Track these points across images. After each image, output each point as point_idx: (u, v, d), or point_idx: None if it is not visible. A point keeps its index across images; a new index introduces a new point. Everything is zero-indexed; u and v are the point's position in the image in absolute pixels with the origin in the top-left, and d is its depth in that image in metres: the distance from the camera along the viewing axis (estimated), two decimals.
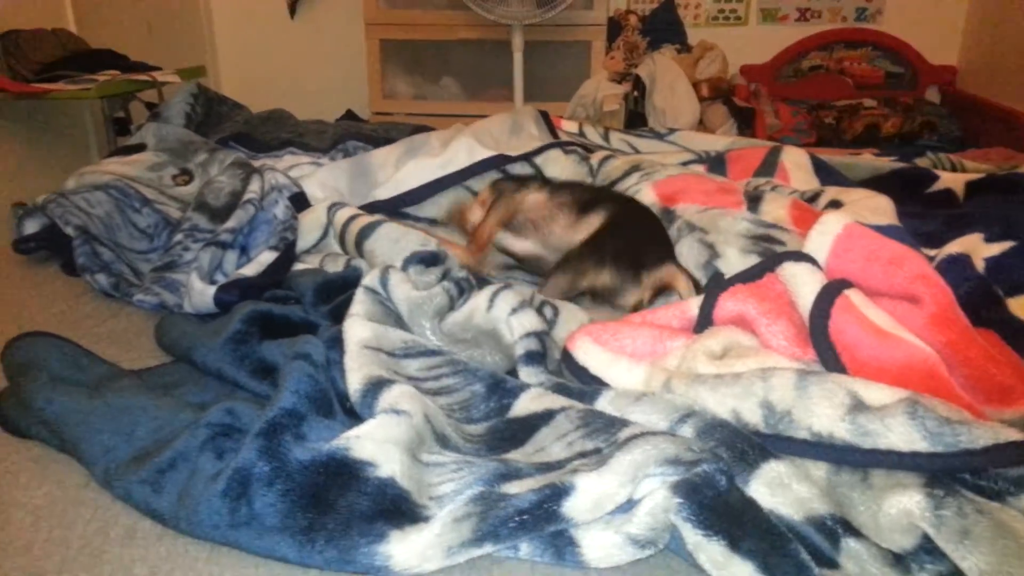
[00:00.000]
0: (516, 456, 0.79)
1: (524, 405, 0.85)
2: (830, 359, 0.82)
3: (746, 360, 0.85)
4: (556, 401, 0.83)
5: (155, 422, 0.82)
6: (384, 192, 1.45)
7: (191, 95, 1.81)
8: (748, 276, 0.95)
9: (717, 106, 3.06)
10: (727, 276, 1.00)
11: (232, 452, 0.73)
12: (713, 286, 0.96)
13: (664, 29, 3.48)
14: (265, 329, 0.99)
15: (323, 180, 1.41)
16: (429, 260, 1.12)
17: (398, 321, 1.02)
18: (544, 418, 0.82)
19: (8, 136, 2.50)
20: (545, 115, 1.85)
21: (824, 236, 0.96)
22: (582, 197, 1.27)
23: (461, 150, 1.48)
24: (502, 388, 0.88)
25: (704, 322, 0.94)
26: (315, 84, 3.83)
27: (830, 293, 0.86)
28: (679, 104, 3.01)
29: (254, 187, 1.29)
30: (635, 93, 3.12)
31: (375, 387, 0.81)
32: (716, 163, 1.67)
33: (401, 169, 1.48)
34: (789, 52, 3.56)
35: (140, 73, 2.59)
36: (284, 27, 3.88)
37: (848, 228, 0.96)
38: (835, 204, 1.27)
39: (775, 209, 1.25)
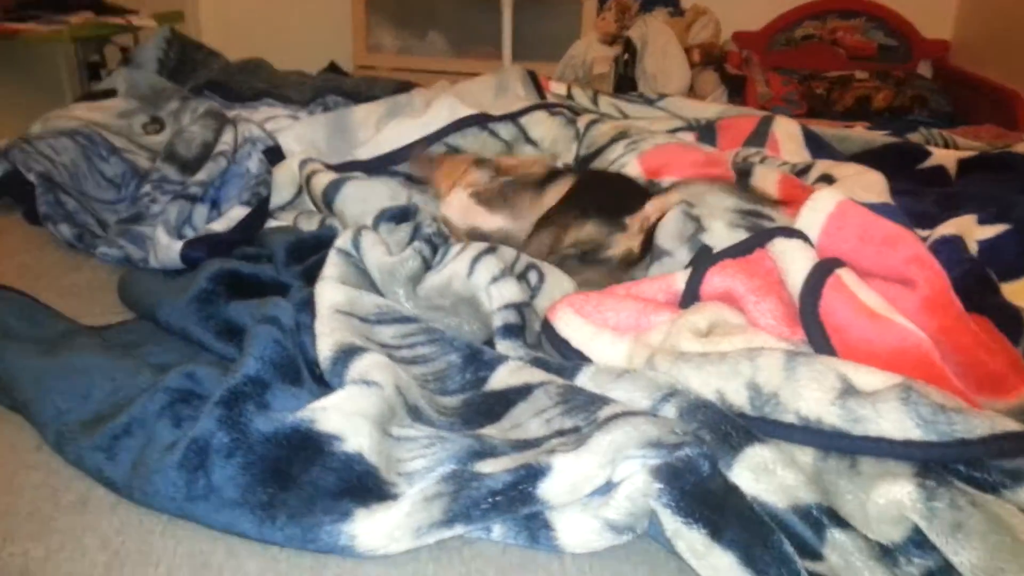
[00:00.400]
0: (491, 432, 0.76)
1: (502, 378, 0.82)
2: (819, 340, 0.80)
3: (732, 338, 0.82)
4: (535, 375, 0.80)
5: (112, 384, 0.78)
6: (365, 152, 1.39)
7: (164, 40, 1.73)
8: (737, 251, 0.92)
9: (708, 73, 3.01)
10: (715, 250, 0.96)
11: (191, 420, 0.69)
12: (700, 260, 0.93)
13: None
14: (233, 288, 0.95)
15: (300, 134, 1.36)
16: (399, 216, 1.08)
17: (372, 285, 0.98)
18: (522, 392, 0.79)
19: None
20: (533, 75, 1.80)
21: (816, 213, 0.93)
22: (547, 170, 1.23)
23: (443, 109, 1.42)
24: (479, 360, 0.85)
25: (690, 297, 0.91)
26: (298, 34, 3.71)
27: (821, 271, 0.83)
28: (670, 69, 2.95)
29: (227, 138, 1.24)
30: (626, 56, 3.06)
31: (346, 355, 0.78)
32: (706, 131, 1.63)
33: (383, 130, 1.43)
34: (783, 20, 3.50)
35: (115, 17, 2.49)
36: None
37: (841, 206, 0.93)
38: (826, 179, 1.24)
39: (764, 183, 1.21)
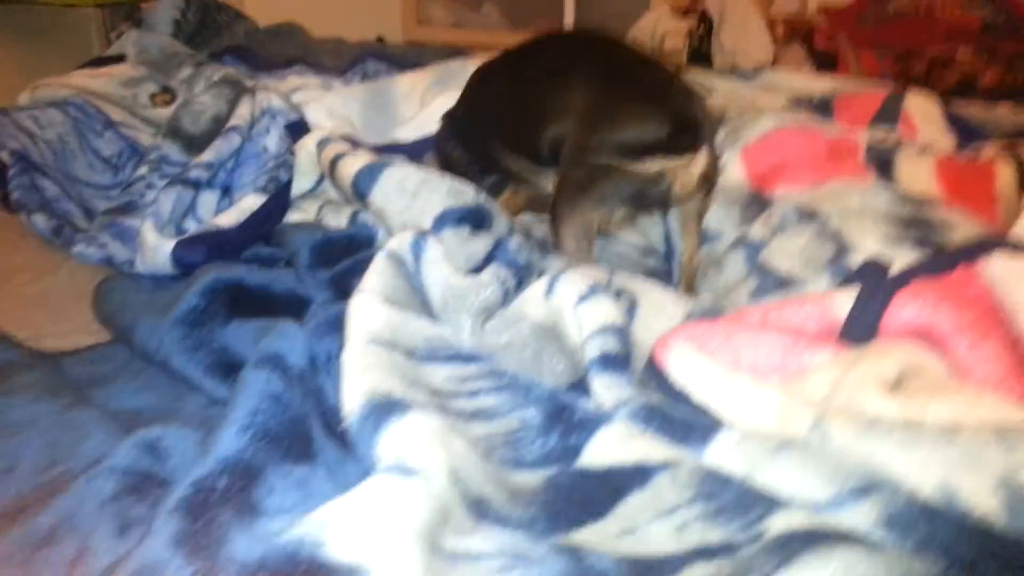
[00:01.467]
0: (592, 537, 0.51)
1: (603, 449, 0.57)
2: None
3: (946, 399, 0.55)
4: (653, 449, 0.55)
5: (49, 451, 0.55)
6: (407, 132, 1.15)
7: None
8: (931, 268, 0.65)
9: (794, 48, 2.70)
10: (895, 266, 0.69)
11: (142, 525, 0.45)
12: (880, 280, 0.66)
13: None
14: (235, 304, 0.72)
15: (332, 107, 1.11)
16: (472, 221, 0.83)
17: (423, 307, 0.73)
18: (636, 477, 0.53)
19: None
20: None
21: None
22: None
23: None
24: (568, 418, 0.60)
25: (864, 330, 0.64)
26: (343, 6, 3.48)
27: None
28: (750, 43, 2.65)
29: (242, 111, 1.00)
30: (700, 30, 2.76)
31: (380, 410, 0.54)
32: (820, 110, 1.34)
33: (430, 104, 1.17)
34: None
35: None
36: None
37: None
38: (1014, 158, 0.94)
39: (918, 175, 0.93)
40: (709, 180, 0.91)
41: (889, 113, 1.29)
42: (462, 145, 1.05)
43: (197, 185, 0.91)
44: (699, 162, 0.87)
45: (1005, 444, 0.47)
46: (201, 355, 0.66)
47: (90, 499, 0.47)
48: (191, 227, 0.90)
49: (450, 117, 1.07)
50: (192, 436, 0.52)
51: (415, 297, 0.73)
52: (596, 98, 0.87)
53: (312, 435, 0.54)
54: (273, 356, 0.56)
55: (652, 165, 0.84)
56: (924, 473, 0.50)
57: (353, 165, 0.87)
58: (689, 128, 0.85)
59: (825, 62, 2.67)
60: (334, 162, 0.90)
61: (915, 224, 0.82)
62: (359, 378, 0.57)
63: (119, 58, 1.36)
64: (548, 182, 0.97)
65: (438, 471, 0.47)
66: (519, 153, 0.98)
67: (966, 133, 1.25)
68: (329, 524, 0.42)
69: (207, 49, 1.42)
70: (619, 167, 0.84)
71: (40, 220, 0.93)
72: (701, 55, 2.75)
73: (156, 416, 0.62)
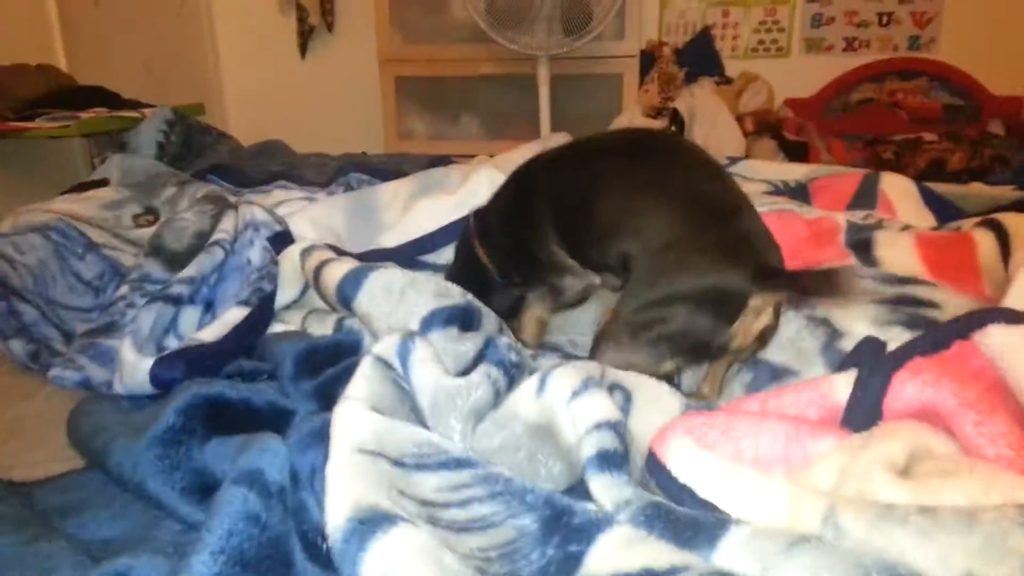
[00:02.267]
0: None
1: (606, 557, 0.53)
2: None
3: (959, 481, 0.53)
4: (659, 554, 0.52)
5: None
6: (391, 238, 1.15)
7: (165, 122, 1.53)
8: (928, 345, 0.64)
9: (765, 140, 2.76)
10: (891, 344, 0.67)
11: None
12: (877, 359, 0.64)
13: (700, 61, 3.21)
14: (215, 421, 0.69)
15: (316, 218, 1.12)
16: (460, 321, 0.81)
17: (412, 413, 0.70)
18: None
19: None
20: None
21: None
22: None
23: (482, 184, 1.18)
24: (567, 524, 0.56)
25: (866, 414, 0.62)
26: (327, 125, 3.58)
27: None
28: (722, 138, 2.72)
29: (226, 225, 1.00)
30: (673, 128, 2.84)
31: (367, 525, 0.50)
32: (797, 195, 1.36)
33: (411, 209, 1.18)
34: (837, 84, 3.28)
35: (130, 111, 2.34)
36: (294, 66, 3.65)
37: None
38: (993, 229, 0.94)
39: (898, 254, 0.93)
40: (766, 338, 0.82)
41: (866, 194, 1.31)
42: (494, 245, 1.00)
43: (178, 301, 0.90)
44: (765, 315, 0.79)
45: None
46: (178, 476, 0.63)
47: None
48: (172, 345, 0.88)
49: (483, 216, 1.04)
50: (163, 566, 0.49)
51: (404, 402, 0.70)
52: (674, 234, 0.80)
53: (293, 558, 0.51)
54: (251, 472, 0.53)
55: (720, 325, 0.78)
56: (947, 564, 0.47)
57: (338, 271, 0.86)
58: (768, 283, 0.76)
59: (796, 153, 2.74)
60: (318, 270, 0.89)
61: (903, 303, 0.81)
62: (343, 491, 0.54)
63: (103, 182, 1.37)
64: (601, 289, 0.96)
65: None
66: (579, 258, 0.92)
67: (943, 210, 1.26)
68: None
69: (191, 169, 1.43)
70: (680, 319, 0.78)
71: (17, 346, 0.91)
72: None
73: (128, 545, 0.58)
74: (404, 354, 0.71)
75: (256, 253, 0.96)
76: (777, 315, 0.82)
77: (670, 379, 0.81)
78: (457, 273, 1.05)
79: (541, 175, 0.98)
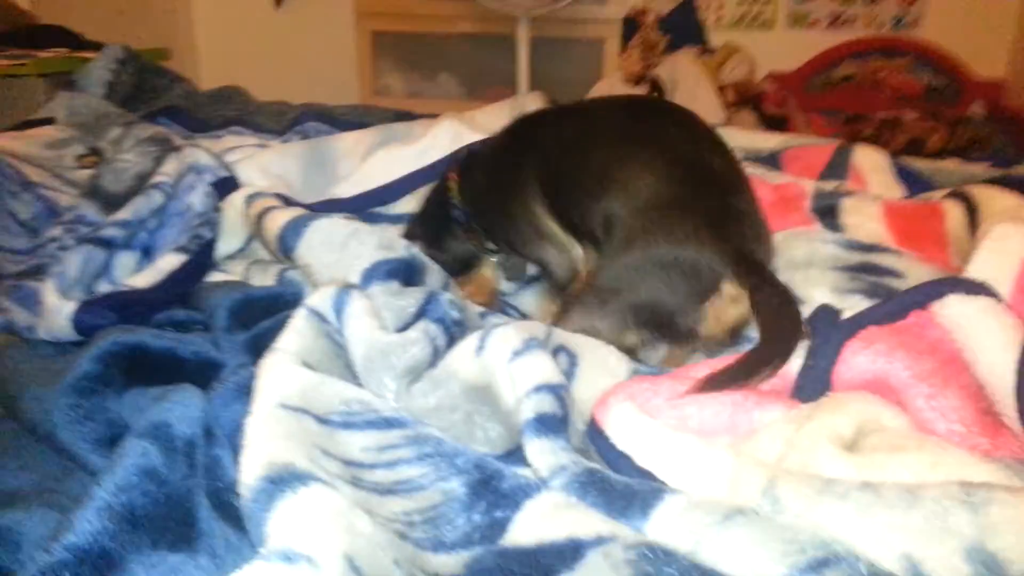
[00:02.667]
0: None
1: (531, 524, 0.50)
2: None
3: (906, 456, 0.50)
4: (586, 521, 0.49)
5: None
6: (346, 188, 1.10)
7: (116, 60, 1.45)
8: (884, 315, 0.61)
9: (745, 113, 2.74)
10: (847, 308, 0.65)
11: None
12: (829, 328, 0.62)
13: (683, 30, 3.15)
14: (137, 371, 0.65)
15: (266, 165, 1.07)
16: (403, 274, 0.78)
17: (348, 369, 0.67)
18: (566, 555, 0.47)
19: None
20: (556, 101, 1.52)
21: (1004, 256, 0.62)
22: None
23: (444, 136, 1.14)
24: (495, 489, 0.53)
25: (816, 384, 0.60)
26: (301, 79, 3.49)
27: None
28: (702, 108, 2.67)
29: (168, 168, 0.95)
30: (653, 96, 2.80)
31: (277, 484, 0.47)
32: (769, 164, 1.33)
33: (369, 159, 1.14)
34: (820, 60, 3.25)
35: (90, 51, 2.25)
36: (269, 17, 3.55)
37: None
38: (962, 201, 0.92)
39: (865, 221, 0.90)
40: (736, 334, 0.76)
41: (838, 166, 1.28)
42: (472, 186, 0.96)
43: (111, 245, 0.85)
44: (741, 305, 0.72)
45: (971, 505, 0.42)
46: (90, 427, 0.59)
47: None
48: (104, 291, 0.83)
49: (471, 155, 0.99)
50: (56, 521, 0.45)
51: (338, 357, 0.67)
52: (660, 194, 0.75)
53: (197, 515, 0.47)
54: (156, 426, 0.49)
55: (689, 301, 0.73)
56: (885, 543, 0.44)
57: (280, 219, 0.82)
58: (747, 271, 0.70)
59: (776, 126, 2.71)
60: (261, 217, 0.85)
61: (864, 271, 0.79)
62: (259, 448, 0.51)
63: (49, 121, 1.31)
64: (574, 259, 0.88)
65: (330, 558, 0.41)
66: (559, 217, 0.87)
67: (916, 185, 1.24)
68: None
69: (142, 111, 1.37)
70: (650, 288, 0.73)
71: None
72: None
73: (34, 497, 0.54)
74: (340, 307, 0.68)
75: (198, 198, 0.91)
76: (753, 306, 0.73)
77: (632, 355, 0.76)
78: (420, 212, 1.01)
79: (537, 127, 0.93)
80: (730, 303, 0.72)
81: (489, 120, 1.36)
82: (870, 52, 3.25)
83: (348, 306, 0.68)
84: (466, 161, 1.00)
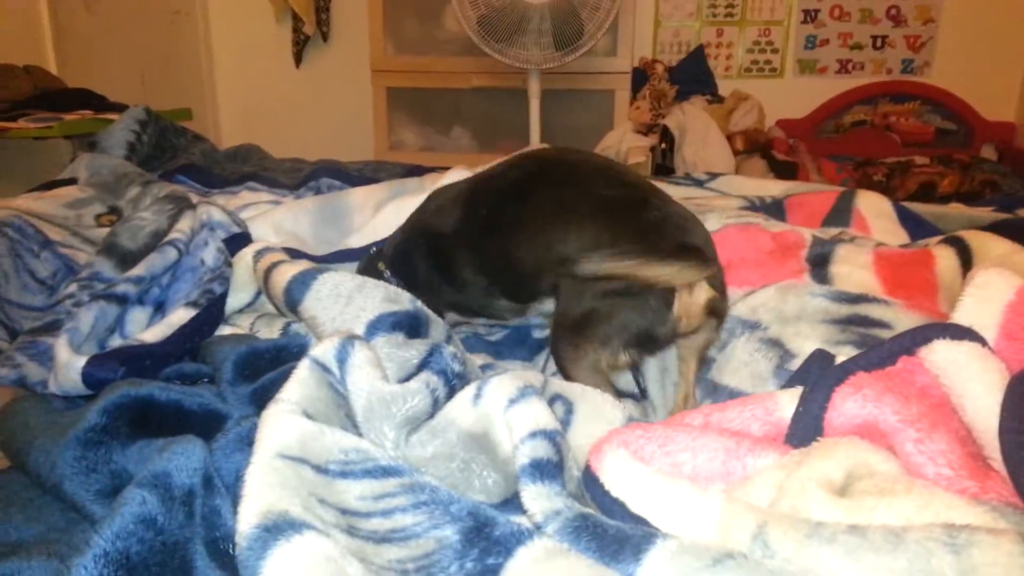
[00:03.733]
0: None
1: (522, 572, 0.51)
2: None
3: (894, 500, 0.51)
4: (576, 570, 0.49)
5: None
6: (358, 239, 1.13)
7: (137, 121, 1.51)
8: (873, 361, 0.62)
9: (755, 160, 2.76)
10: (839, 359, 0.65)
11: None
12: (821, 375, 0.62)
13: (693, 81, 3.21)
14: (142, 423, 0.67)
15: (279, 221, 1.10)
16: (407, 327, 0.79)
17: (348, 417, 0.68)
18: None
19: None
20: None
21: (988, 303, 0.63)
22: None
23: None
24: (487, 536, 0.54)
25: (808, 430, 0.60)
26: (319, 135, 3.59)
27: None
28: (711, 157, 2.71)
29: (183, 225, 0.98)
30: (663, 145, 2.84)
31: (271, 533, 0.48)
32: (773, 211, 1.35)
33: (383, 209, 1.17)
34: (829, 106, 3.28)
35: (113, 113, 2.33)
36: (288, 75, 3.66)
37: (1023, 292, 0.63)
38: (956, 247, 0.92)
39: (854, 270, 0.90)
40: (716, 311, 0.83)
41: (841, 211, 1.30)
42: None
43: (124, 300, 0.88)
44: (703, 289, 0.80)
45: (954, 547, 0.43)
46: (95, 478, 0.60)
47: None
48: (116, 345, 0.86)
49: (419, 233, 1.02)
50: (56, 570, 0.47)
51: (339, 408, 0.68)
52: (598, 240, 0.82)
53: (194, 564, 0.48)
54: (156, 476, 0.51)
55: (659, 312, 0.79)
56: None
57: (287, 273, 0.84)
58: (691, 255, 0.79)
59: (786, 173, 2.73)
60: (269, 271, 0.88)
61: (853, 323, 0.80)
62: (257, 497, 0.52)
63: (71, 181, 1.35)
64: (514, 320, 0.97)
65: None
66: (497, 288, 0.94)
67: (919, 230, 1.25)
68: None
69: (160, 170, 1.42)
70: (621, 313, 0.80)
71: None
72: (665, 169, 2.81)
73: (38, 548, 0.56)
74: (343, 357, 0.69)
75: (210, 254, 0.94)
76: (718, 288, 0.83)
77: (635, 370, 0.88)
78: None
79: (456, 245, 0.97)
80: (691, 293, 0.80)
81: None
82: (879, 97, 3.29)
83: (351, 357, 0.69)
84: (398, 248, 1.03)
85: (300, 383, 0.66)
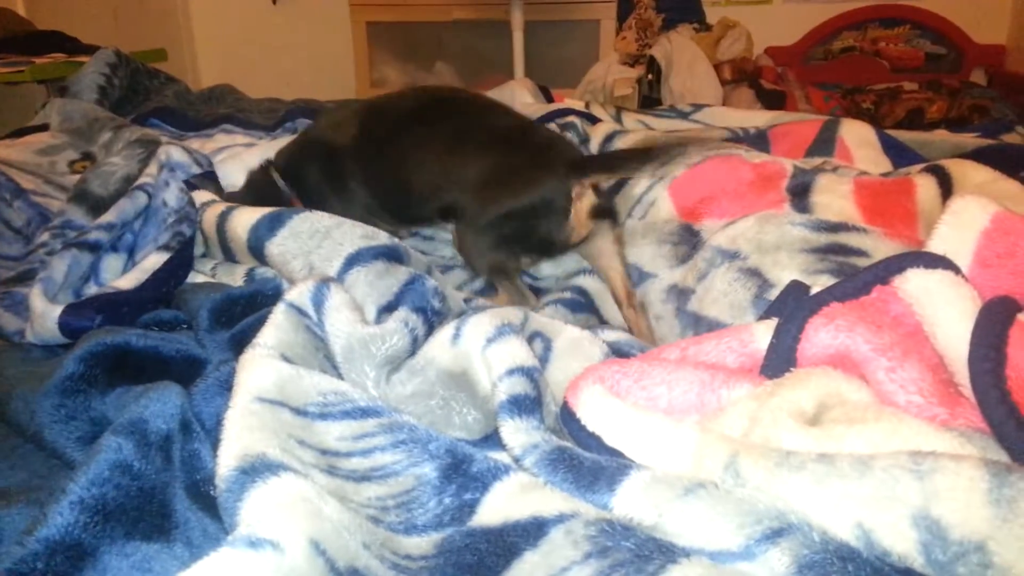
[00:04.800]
0: None
1: (498, 505, 0.52)
2: (1012, 429, 0.49)
3: (864, 428, 0.51)
4: (549, 500, 0.50)
5: None
6: None
7: (107, 64, 1.47)
8: (847, 291, 0.62)
9: (743, 89, 2.72)
10: (815, 289, 0.66)
11: None
12: (793, 304, 0.63)
13: (680, 8, 3.13)
14: (120, 371, 0.67)
15: (250, 164, 1.08)
16: (385, 260, 0.79)
17: (326, 359, 0.69)
18: (531, 533, 0.49)
19: None
20: (544, 89, 1.52)
21: (963, 230, 0.62)
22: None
23: None
24: (464, 472, 0.55)
25: (780, 361, 0.61)
26: (300, 73, 3.51)
27: (996, 318, 0.53)
28: (699, 87, 2.67)
29: (152, 168, 0.96)
30: (649, 76, 2.79)
31: (249, 474, 0.49)
32: (756, 142, 1.33)
33: None
34: (819, 32, 3.22)
35: (87, 56, 2.27)
36: (265, 14, 3.56)
37: (999, 219, 0.63)
38: (937, 175, 0.92)
39: (834, 199, 0.89)
40: (603, 212, 0.93)
41: (825, 141, 1.29)
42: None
43: (97, 248, 0.86)
44: (587, 196, 0.90)
45: (918, 473, 0.43)
46: (74, 426, 0.61)
47: None
48: (91, 293, 0.85)
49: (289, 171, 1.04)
50: (28, 517, 0.47)
51: (318, 350, 0.68)
52: (490, 171, 0.91)
53: (173, 507, 0.49)
54: (132, 422, 0.51)
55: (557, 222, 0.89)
56: (839, 512, 0.46)
57: (251, 215, 0.83)
58: (579, 170, 0.89)
59: (774, 102, 2.70)
60: (224, 216, 0.86)
61: (832, 251, 0.79)
62: (235, 440, 0.53)
63: (43, 127, 1.32)
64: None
65: (295, 542, 0.42)
66: (383, 207, 1.01)
67: (903, 157, 1.24)
68: None
69: (134, 114, 1.39)
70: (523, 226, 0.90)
71: None
72: (652, 100, 2.77)
73: (22, 495, 0.56)
74: (319, 300, 0.69)
75: (172, 195, 0.92)
76: (601, 194, 0.95)
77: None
78: (245, 187, 1.04)
79: (348, 160, 1.01)
80: (579, 200, 0.89)
81: None
82: (869, 22, 3.23)
83: (328, 299, 0.69)
84: (291, 158, 1.05)
85: (276, 327, 0.65)
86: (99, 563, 0.42)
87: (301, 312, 0.68)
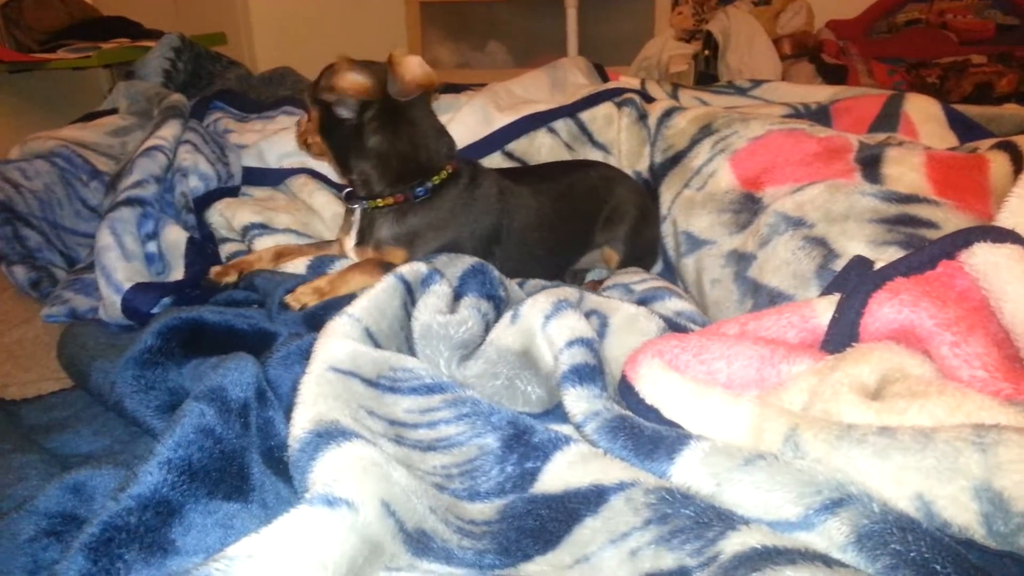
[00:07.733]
0: (543, 568, 0.47)
1: (559, 473, 0.53)
2: None
3: (927, 403, 0.51)
4: (610, 470, 0.51)
5: None
6: None
7: (172, 49, 1.51)
8: (912, 265, 0.61)
9: (803, 64, 2.66)
10: (880, 262, 0.65)
11: (53, 567, 0.43)
12: (857, 280, 0.62)
13: None
14: (197, 344, 0.70)
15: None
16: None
17: (407, 339, 0.71)
18: (591, 500, 0.50)
19: (11, 110, 2.27)
20: (599, 67, 1.52)
21: None
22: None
23: (471, 116, 1.16)
24: (527, 443, 0.56)
25: (843, 336, 0.60)
26: (353, 55, 3.54)
27: None
28: (757, 62, 2.62)
29: (165, 132, 1.03)
30: (706, 52, 2.75)
31: (323, 438, 0.51)
32: (818, 117, 1.31)
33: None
34: (882, 5, 3.11)
35: (151, 40, 2.33)
36: None
37: None
38: (1009, 151, 0.89)
39: (905, 172, 0.87)
40: None
41: (889, 116, 1.26)
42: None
43: (141, 203, 0.90)
44: None
45: (981, 446, 0.43)
46: (153, 395, 0.64)
47: (6, 541, 0.45)
48: (154, 249, 0.89)
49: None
50: (123, 477, 0.50)
51: (402, 330, 0.70)
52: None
53: (250, 471, 0.52)
54: (212, 390, 0.54)
55: None
56: (899, 483, 0.46)
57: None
58: None
59: (835, 76, 2.63)
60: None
61: (901, 223, 0.78)
62: (310, 405, 0.55)
63: (112, 111, 1.37)
64: None
65: (367, 503, 0.44)
66: None
67: (970, 133, 1.20)
68: (239, 560, 0.39)
69: (199, 96, 1.43)
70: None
71: (20, 272, 0.93)
72: (708, 77, 2.73)
73: (106, 459, 0.60)
74: (429, 283, 0.72)
75: (176, 194, 0.96)
76: None
77: None
78: None
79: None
80: None
81: (525, 89, 1.38)
82: None
83: (434, 284, 0.72)
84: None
85: (370, 299, 0.67)
86: (185, 519, 0.45)
87: (407, 286, 0.71)
